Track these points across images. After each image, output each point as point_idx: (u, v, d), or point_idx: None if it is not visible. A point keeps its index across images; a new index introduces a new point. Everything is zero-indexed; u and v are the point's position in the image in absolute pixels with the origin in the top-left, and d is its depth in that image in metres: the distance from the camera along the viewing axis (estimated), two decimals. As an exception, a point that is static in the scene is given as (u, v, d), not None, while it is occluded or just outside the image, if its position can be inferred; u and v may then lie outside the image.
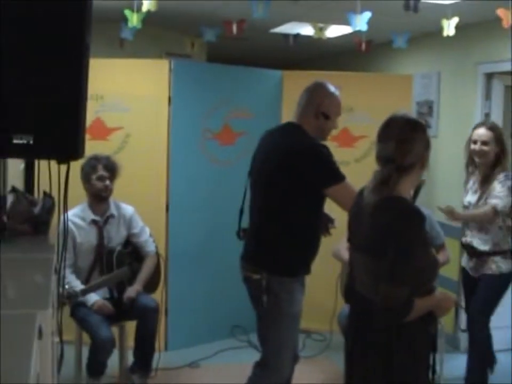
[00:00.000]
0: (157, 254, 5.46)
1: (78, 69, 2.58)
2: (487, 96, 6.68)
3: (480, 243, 5.33)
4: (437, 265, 3.21)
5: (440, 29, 5.38)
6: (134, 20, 5.22)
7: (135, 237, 5.31)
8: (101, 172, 5.12)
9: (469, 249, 5.44)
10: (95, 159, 5.14)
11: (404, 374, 3.07)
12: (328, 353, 6.26)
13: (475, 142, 5.30)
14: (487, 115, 6.64)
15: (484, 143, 5.24)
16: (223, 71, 6.61)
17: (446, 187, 7.11)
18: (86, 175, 5.12)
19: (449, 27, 5.34)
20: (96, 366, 4.95)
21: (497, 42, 6.36)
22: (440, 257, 5.27)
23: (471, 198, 5.38)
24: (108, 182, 5.15)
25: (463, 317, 6.27)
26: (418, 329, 3.10)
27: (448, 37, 5.41)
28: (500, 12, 4.72)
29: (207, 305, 6.49)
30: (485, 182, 5.27)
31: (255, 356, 6.34)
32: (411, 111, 7.18)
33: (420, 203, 3.30)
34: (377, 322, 3.04)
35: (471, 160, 5.41)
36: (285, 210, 3.98)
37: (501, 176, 5.19)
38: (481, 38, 6.63)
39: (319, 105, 4.06)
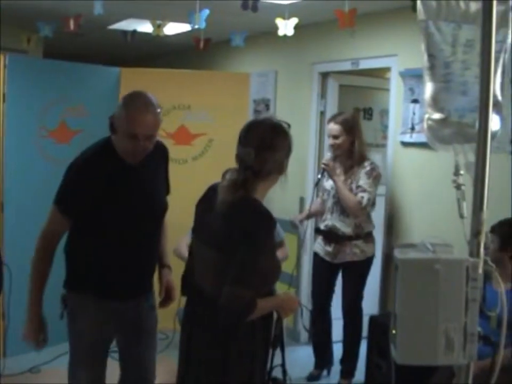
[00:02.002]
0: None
1: None
2: (323, 94, 6.85)
3: (342, 225, 5.54)
4: (280, 268, 3.20)
5: (277, 28, 5.46)
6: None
7: None
8: None
9: (327, 234, 5.63)
10: None
11: (239, 373, 3.08)
12: (171, 352, 6.23)
13: (329, 136, 5.59)
14: (322, 113, 6.80)
15: (335, 137, 5.50)
16: (60, 68, 6.46)
17: (291, 184, 7.23)
18: None
19: (286, 27, 5.43)
20: None
21: (332, 43, 6.54)
22: (280, 253, 5.32)
23: (333, 182, 5.54)
24: None
25: (305, 316, 6.44)
26: (258, 328, 3.11)
27: (285, 36, 5.50)
28: (337, 12, 4.82)
29: (45, 309, 6.31)
30: (349, 169, 5.52)
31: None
32: (248, 109, 7.27)
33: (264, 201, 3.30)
34: (217, 320, 2.99)
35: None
36: (73, 222, 3.63)
37: (366, 165, 5.47)
38: (317, 38, 6.79)
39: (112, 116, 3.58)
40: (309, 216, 5.95)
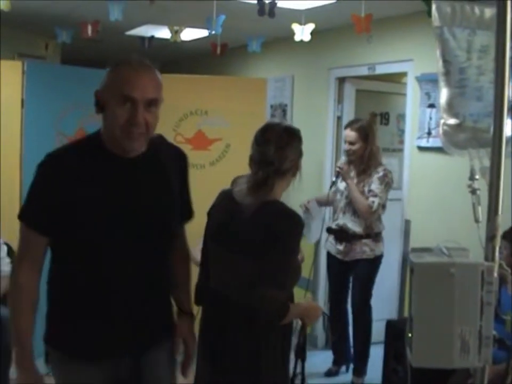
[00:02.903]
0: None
1: None
2: (339, 99, 6.86)
3: (354, 225, 5.65)
4: (300, 269, 3.23)
5: (294, 34, 5.49)
6: (-14, 19, 5.05)
7: None
8: None
9: (339, 233, 5.74)
10: None
11: (271, 375, 3.08)
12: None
13: (345, 142, 5.70)
14: (339, 118, 6.83)
15: (351, 143, 5.63)
16: (77, 74, 6.48)
17: (302, 188, 7.25)
18: None
19: (303, 32, 5.45)
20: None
21: (349, 48, 6.55)
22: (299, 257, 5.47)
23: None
24: None
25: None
26: (283, 333, 3.13)
27: (301, 41, 5.52)
28: (354, 17, 4.84)
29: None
30: (362, 173, 5.63)
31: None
32: (265, 114, 7.29)
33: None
34: (248, 325, 3.02)
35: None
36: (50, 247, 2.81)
37: (380, 171, 5.58)
38: (334, 44, 6.81)
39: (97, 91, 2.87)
40: (323, 203, 6.01)
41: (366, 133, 5.62)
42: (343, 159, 5.80)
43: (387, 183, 5.57)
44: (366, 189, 5.57)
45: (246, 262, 3.03)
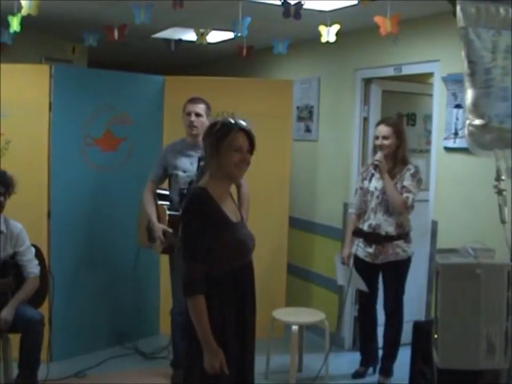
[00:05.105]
0: (46, 274, 5.37)
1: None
2: (366, 100, 6.84)
3: (386, 224, 5.69)
4: (237, 245, 3.45)
5: (320, 35, 5.48)
6: (13, 23, 5.08)
7: (19, 255, 5.15)
8: None
9: (369, 236, 5.75)
10: None
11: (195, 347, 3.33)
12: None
13: (377, 138, 5.77)
14: (366, 119, 6.81)
15: (384, 137, 5.70)
16: (104, 77, 6.54)
17: (327, 188, 7.25)
18: None
19: (329, 34, 5.44)
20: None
21: (375, 49, 6.53)
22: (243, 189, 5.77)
23: (376, 183, 5.77)
24: (1, 198, 5.05)
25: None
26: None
27: (327, 43, 5.51)
28: (378, 19, 4.82)
29: (92, 314, 6.40)
30: (391, 171, 5.70)
31: (142, 363, 6.30)
32: (291, 116, 7.29)
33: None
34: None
35: (375, 152, 5.83)
36: None
37: (411, 168, 5.70)
38: (360, 45, 6.79)
39: None
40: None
41: (399, 129, 5.76)
42: (379, 153, 5.77)
43: (419, 179, 5.68)
44: (398, 185, 5.63)
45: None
